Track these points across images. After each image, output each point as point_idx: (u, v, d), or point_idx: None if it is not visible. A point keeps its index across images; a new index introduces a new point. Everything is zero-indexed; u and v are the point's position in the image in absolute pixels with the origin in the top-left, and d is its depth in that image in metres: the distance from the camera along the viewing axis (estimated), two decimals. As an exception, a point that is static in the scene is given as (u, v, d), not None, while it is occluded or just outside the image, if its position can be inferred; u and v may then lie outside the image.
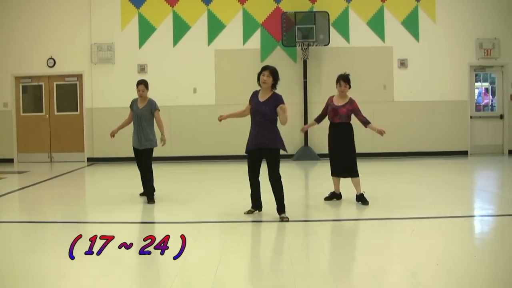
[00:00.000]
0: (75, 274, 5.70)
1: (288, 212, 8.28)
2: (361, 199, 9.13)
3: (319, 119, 9.53)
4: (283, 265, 5.81)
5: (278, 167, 8.13)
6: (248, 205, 8.52)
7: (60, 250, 6.61)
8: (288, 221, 7.94)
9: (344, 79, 9.07)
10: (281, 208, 8.12)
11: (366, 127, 9.18)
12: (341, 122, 9.08)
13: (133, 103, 9.99)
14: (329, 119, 9.25)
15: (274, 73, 8.02)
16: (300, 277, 5.42)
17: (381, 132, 9.02)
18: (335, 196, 9.50)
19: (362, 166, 14.48)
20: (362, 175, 12.94)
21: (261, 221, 8.05)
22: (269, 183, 8.20)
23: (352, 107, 9.09)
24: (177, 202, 9.77)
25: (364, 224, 7.98)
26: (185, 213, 8.80)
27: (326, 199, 9.49)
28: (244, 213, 8.42)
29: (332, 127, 9.21)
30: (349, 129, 9.17)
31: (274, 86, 8.07)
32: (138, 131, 9.85)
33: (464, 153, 16.58)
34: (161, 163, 15.47)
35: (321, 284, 5.31)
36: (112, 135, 10.18)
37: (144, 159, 9.89)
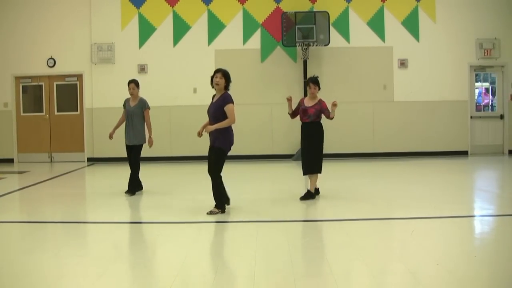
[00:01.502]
0: (74, 274, 5.70)
1: (288, 212, 8.27)
2: (311, 195, 9.53)
3: (293, 114, 9.84)
4: (283, 265, 5.80)
5: (218, 166, 8.40)
6: (247, 206, 8.52)
7: (60, 250, 6.62)
8: (210, 213, 8.34)
9: (312, 82, 9.59)
10: (215, 204, 8.49)
11: (331, 117, 9.54)
12: (310, 121, 9.53)
13: (126, 102, 10.71)
14: (300, 119, 9.71)
15: (226, 75, 8.38)
16: (300, 277, 5.42)
17: (335, 104, 9.39)
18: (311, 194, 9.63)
19: (362, 167, 14.62)
20: (363, 175, 12.99)
21: (261, 221, 8.05)
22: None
23: (320, 107, 9.52)
24: (177, 202, 9.75)
25: (364, 224, 7.97)
26: (185, 213, 8.77)
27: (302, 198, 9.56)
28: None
29: (302, 127, 9.69)
30: (318, 127, 9.59)
31: (226, 87, 8.43)
32: (128, 128, 10.52)
33: (464, 153, 16.57)
34: (161, 163, 15.49)
35: (321, 284, 5.31)
36: (110, 136, 10.79)
37: (133, 154, 10.57)
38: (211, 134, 8.38)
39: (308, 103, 9.60)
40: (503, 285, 5.28)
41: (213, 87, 8.44)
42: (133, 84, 10.58)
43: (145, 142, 10.61)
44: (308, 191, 9.55)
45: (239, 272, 5.74)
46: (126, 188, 10.48)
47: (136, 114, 10.47)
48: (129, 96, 10.68)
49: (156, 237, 7.41)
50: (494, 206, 9.36)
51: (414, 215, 8.36)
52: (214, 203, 8.44)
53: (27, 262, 6.12)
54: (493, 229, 7.72)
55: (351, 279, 5.51)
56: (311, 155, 9.53)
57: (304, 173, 9.63)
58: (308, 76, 15.93)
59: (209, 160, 8.45)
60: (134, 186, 10.53)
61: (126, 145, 10.62)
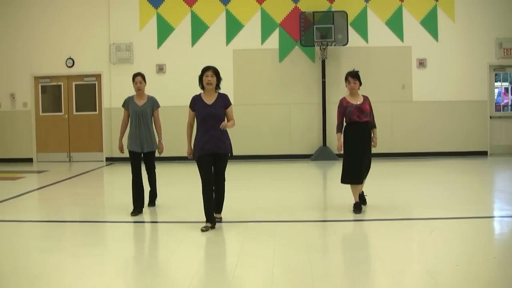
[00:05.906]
0: (92, 273, 5.72)
1: (306, 212, 8.25)
2: (361, 203, 8.63)
3: (342, 128, 8.50)
4: (302, 265, 5.79)
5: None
6: (265, 205, 8.49)
7: (78, 249, 6.66)
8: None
9: (352, 76, 8.45)
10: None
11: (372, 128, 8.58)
12: (368, 120, 8.34)
13: (129, 101, 9.19)
14: (350, 119, 8.33)
15: (217, 73, 7.85)
16: (319, 277, 5.40)
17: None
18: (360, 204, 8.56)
19: (381, 167, 14.53)
20: (381, 176, 12.91)
21: (277, 221, 8.04)
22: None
23: (370, 104, 8.47)
24: (193, 203, 9.74)
25: (383, 224, 7.92)
26: (200, 213, 8.77)
27: (357, 211, 8.42)
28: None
29: (356, 127, 8.31)
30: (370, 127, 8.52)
31: (218, 86, 7.84)
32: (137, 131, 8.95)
33: (483, 154, 16.42)
34: (179, 162, 15.51)
35: (339, 284, 5.30)
36: (122, 150, 8.97)
37: (147, 161, 9.19)
38: (215, 138, 7.94)
39: (355, 100, 8.39)
40: (524, 287, 5.23)
41: (202, 87, 7.95)
42: (140, 77, 9.03)
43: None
44: (358, 203, 8.48)
45: (257, 272, 5.72)
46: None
47: (146, 114, 8.96)
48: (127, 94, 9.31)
49: (174, 236, 7.41)
50: (514, 207, 9.28)
51: (433, 215, 8.29)
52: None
53: (46, 261, 6.16)
54: (513, 230, 7.66)
55: (369, 279, 5.49)
56: (368, 160, 8.48)
57: (358, 181, 8.39)
58: (327, 75, 16.07)
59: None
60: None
61: (135, 152, 8.75)
